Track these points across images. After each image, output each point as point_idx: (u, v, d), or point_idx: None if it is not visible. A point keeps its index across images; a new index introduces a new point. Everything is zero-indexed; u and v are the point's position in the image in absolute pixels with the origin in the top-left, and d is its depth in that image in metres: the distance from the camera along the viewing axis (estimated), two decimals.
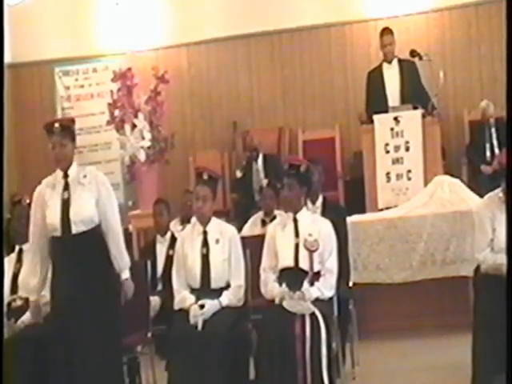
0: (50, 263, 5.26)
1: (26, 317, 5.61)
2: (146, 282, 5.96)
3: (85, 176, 5.28)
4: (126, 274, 5.31)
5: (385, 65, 8.87)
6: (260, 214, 7.94)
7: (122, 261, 5.29)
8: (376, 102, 8.69)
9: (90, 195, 5.23)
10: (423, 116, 8.11)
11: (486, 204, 5.50)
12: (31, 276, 5.32)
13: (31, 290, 5.33)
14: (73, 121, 5.47)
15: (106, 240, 5.24)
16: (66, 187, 5.24)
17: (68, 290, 5.14)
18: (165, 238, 7.65)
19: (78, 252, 5.18)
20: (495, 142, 8.87)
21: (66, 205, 5.20)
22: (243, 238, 5.97)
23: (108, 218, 5.26)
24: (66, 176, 5.26)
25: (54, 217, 5.18)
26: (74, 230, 5.16)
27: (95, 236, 5.25)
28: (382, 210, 7.89)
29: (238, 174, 9.52)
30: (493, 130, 8.90)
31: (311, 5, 10.01)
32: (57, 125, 5.23)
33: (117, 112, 9.49)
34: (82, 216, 5.19)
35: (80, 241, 5.18)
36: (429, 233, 7.16)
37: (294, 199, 5.61)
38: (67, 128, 5.28)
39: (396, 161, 8.08)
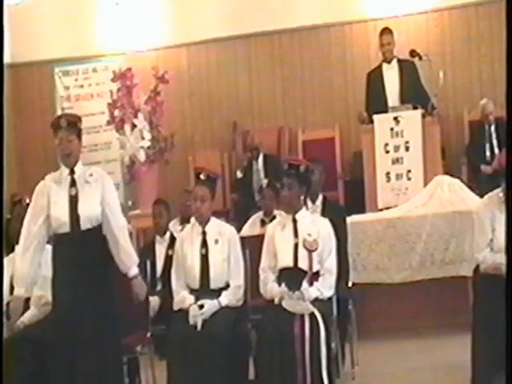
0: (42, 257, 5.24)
1: (26, 316, 5.62)
2: (145, 282, 5.94)
3: (91, 174, 5.29)
4: (134, 271, 5.29)
5: (384, 65, 8.86)
6: (260, 214, 7.93)
7: (129, 258, 5.28)
8: (376, 102, 8.68)
9: (96, 193, 5.25)
10: (423, 116, 8.10)
11: (485, 204, 5.50)
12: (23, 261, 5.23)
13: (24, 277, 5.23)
14: (79, 118, 5.44)
15: (111, 239, 5.24)
16: (73, 184, 5.25)
17: (72, 289, 5.15)
18: (164, 238, 7.64)
19: (83, 249, 5.18)
20: (495, 142, 8.88)
21: (74, 201, 5.20)
22: (243, 238, 5.98)
23: (114, 217, 5.26)
24: (72, 173, 5.27)
25: (62, 212, 5.18)
26: (82, 226, 5.18)
27: (99, 234, 5.26)
28: (381, 210, 7.88)
29: (239, 174, 9.51)
30: (492, 129, 8.91)
31: (311, 5, 10.01)
32: (63, 120, 5.25)
33: (117, 112, 9.49)
34: (90, 213, 5.20)
35: (86, 238, 5.19)
36: (428, 233, 7.16)
37: (293, 199, 5.60)
38: (73, 124, 5.28)
39: (396, 161, 8.08)
